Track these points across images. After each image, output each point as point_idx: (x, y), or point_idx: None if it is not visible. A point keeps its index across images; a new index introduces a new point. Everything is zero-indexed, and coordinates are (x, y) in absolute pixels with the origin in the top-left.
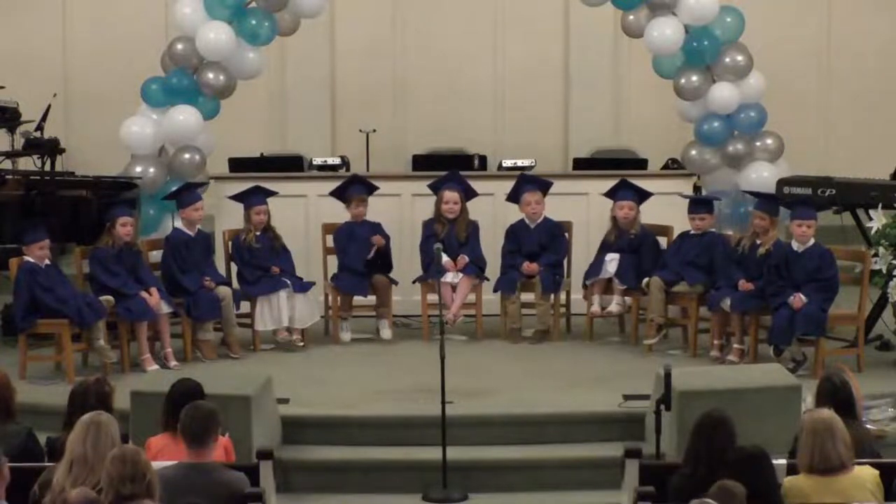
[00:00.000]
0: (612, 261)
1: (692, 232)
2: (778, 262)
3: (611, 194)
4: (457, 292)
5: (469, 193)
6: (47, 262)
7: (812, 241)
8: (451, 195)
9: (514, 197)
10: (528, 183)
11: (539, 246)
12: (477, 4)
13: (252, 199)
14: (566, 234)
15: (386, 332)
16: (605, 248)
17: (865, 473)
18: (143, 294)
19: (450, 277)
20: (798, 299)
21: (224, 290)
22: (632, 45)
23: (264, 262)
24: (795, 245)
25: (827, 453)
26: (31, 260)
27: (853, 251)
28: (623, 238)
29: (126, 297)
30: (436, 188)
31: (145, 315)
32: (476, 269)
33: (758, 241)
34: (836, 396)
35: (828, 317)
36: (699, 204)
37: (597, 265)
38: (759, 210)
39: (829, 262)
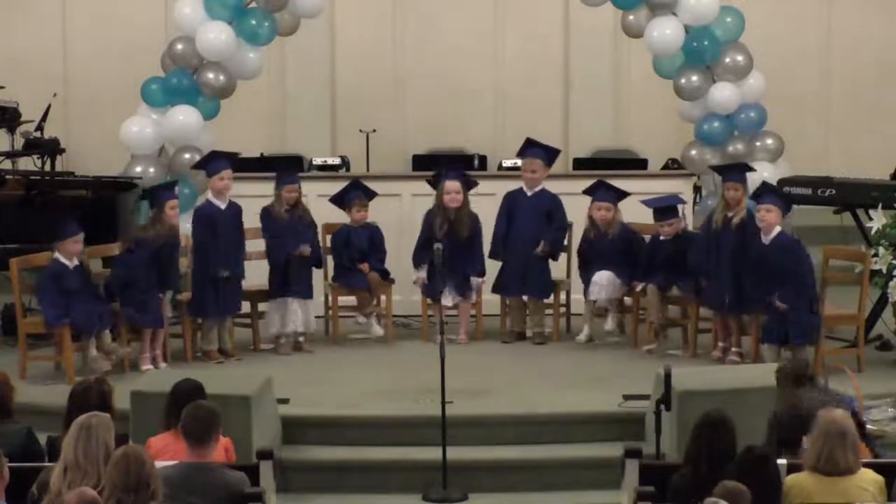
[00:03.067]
0: (597, 287)
1: (662, 238)
2: (754, 257)
3: (589, 193)
4: (460, 317)
5: (470, 185)
6: (76, 261)
7: (777, 230)
8: (452, 185)
9: (519, 154)
10: (532, 147)
11: (536, 216)
12: (477, 4)
13: (285, 178)
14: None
15: (376, 330)
16: (584, 247)
17: (869, 476)
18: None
19: (449, 301)
20: (780, 305)
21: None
22: (632, 45)
23: (292, 235)
24: (763, 237)
25: (835, 458)
26: (62, 260)
27: (853, 251)
28: (602, 241)
29: (144, 303)
30: (436, 181)
31: (156, 324)
32: (472, 289)
33: (729, 213)
34: (794, 372)
35: (821, 318)
36: (663, 212)
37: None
38: (730, 181)
39: (794, 256)
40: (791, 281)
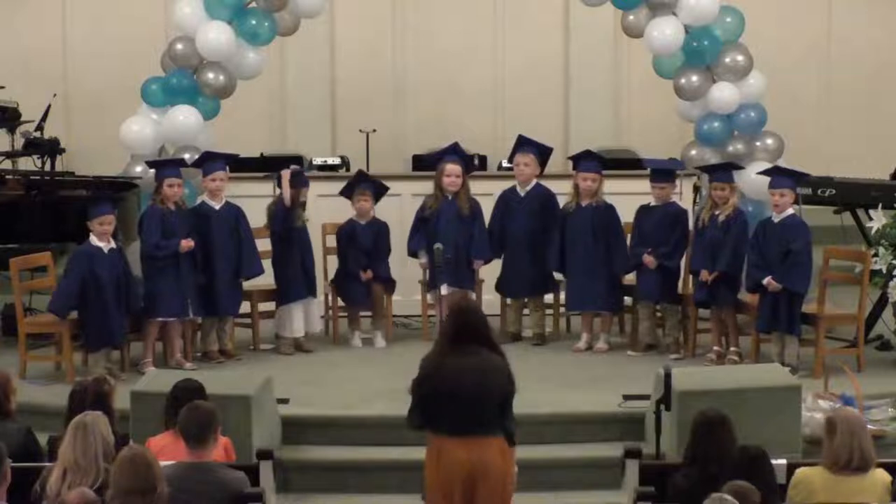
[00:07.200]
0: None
1: (652, 204)
2: (759, 234)
3: (574, 163)
4: None
5: (469, 167)
6: (112, 246)
7: (789, 212)
8: (452, 168)
9: (511, 158)
10: (524, 144)
11: (528, 214)
12: (477, 4)
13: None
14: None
15: (379, 342)
16: (562, 222)
17: (879, 476)
18: (183, 242)
19: (444, 290)
20: (771, 283)
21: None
22: (632, 45)
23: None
24: (774, 217)
25: (865, 452)
26: (94, 242)
27: (853, 251)
28: (582, 213)
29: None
30: (436, 161)
31: (181, 313)
32: (469, 280)
33: (716, 212)
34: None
35: (796, 313)
36: (657, 174)
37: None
38: (717, 182)
39: (795, 234)
40: (787, 259)
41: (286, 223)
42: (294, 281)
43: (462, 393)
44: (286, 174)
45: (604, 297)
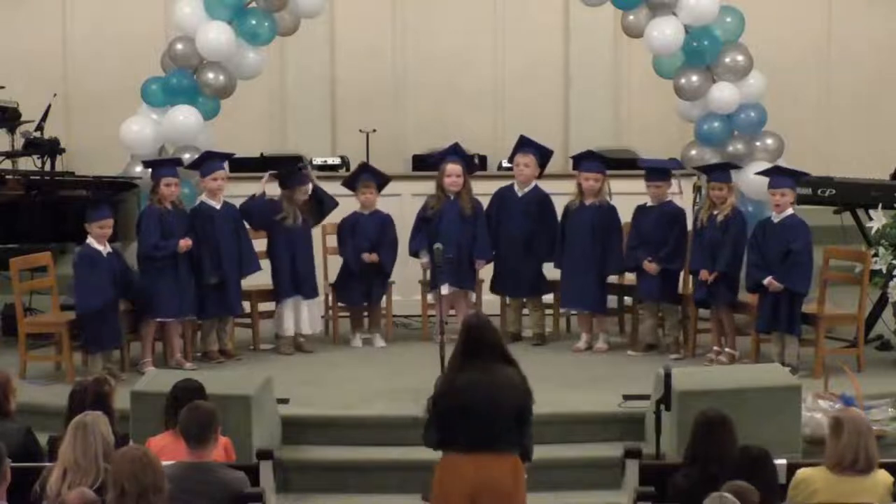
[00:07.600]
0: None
1: (649, 204)
2: (759, 235)
3: (575, 163)
4: (458, 316)
5: (470, 167)
6: (109, 249)
7: (789, 212)
8: (453, 168)
9: (511, 158)
10: (525, 145)
11: (524, 215)
12: (477, 5)
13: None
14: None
15: (379, 342)
16: (564, 221)
17: (881, 476)
18: (181, 242)
19: (445, 290)
20: (772, 283)
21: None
22: (632, 45)
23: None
24: (774, 217)
25: (870, 454)
26: (94, 245)
27: (853, 251)
28: (584, 212)
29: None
30: (437, 162)
31: (179, 314)
32: (470, 280)
33: (714, 212)
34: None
35: (796, 313)
36: (651, 173)
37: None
38: (715, 181)
39: (795, 233)
40: (787, 259)
41: (263, 218)
42: (285, 279)
43: (473, 409)
44: (268, 175)
45: (591, 296)
